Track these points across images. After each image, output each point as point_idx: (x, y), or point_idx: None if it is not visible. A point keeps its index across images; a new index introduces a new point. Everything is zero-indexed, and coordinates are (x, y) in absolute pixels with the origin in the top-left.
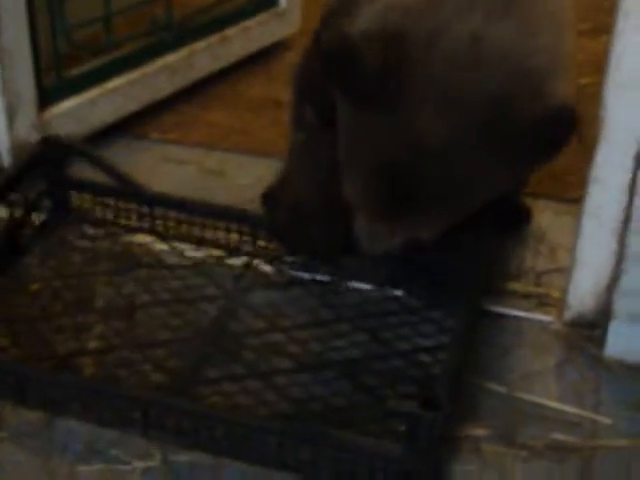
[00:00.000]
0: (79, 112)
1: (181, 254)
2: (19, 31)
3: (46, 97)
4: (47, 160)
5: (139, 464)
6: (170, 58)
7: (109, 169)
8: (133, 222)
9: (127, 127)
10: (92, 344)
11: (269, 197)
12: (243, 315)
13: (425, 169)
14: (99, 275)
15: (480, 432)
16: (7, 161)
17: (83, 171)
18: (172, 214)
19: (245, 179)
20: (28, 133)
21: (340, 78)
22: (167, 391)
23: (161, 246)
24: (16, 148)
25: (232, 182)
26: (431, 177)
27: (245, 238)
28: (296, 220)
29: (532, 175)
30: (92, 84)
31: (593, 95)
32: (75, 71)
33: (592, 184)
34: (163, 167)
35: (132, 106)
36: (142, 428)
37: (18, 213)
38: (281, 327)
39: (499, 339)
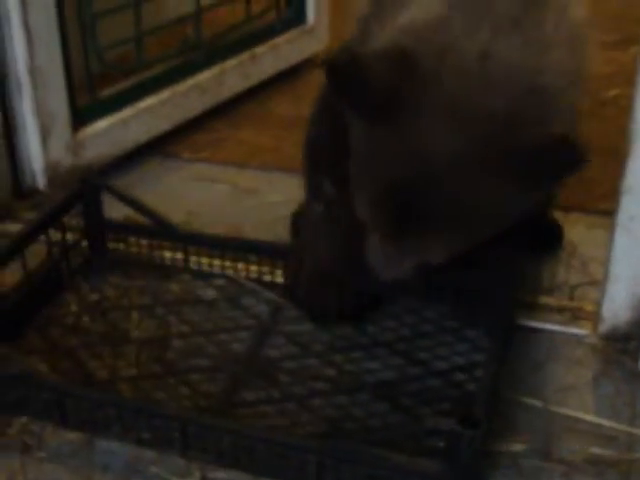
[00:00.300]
0: (112, 132)
1: (217, 289)
2: (52, 52)
3: (79, 118)
4: (84, 201)
5: None
6: (201, 77)
7: (143, 209)
8: (168, 260)
9: (159, 146)
10: (129, 372)
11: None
12: (278, 342)
13: (432, 188)
14: (135, 309)
15: (517, 447)
16: (41, 182)
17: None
18: (205, 251)
19: (277, 196)
20: (62, 154)
21: (349, 93)
22: (204, 412)
23: (196, 282)
24: (50, 169)
25: (264, 200)
26: (438, 197)
27: (278, 271)
28: (319, 288)
29: (560, 189)
30: (125, 104)
31: (624, 107)
32: (108, 91)
33: (624, 195)
34: (195, 186)
35: (164, 125)
36: (181, 448)
37: (56, 251)
38: (316, 352)
39: (533, 353)
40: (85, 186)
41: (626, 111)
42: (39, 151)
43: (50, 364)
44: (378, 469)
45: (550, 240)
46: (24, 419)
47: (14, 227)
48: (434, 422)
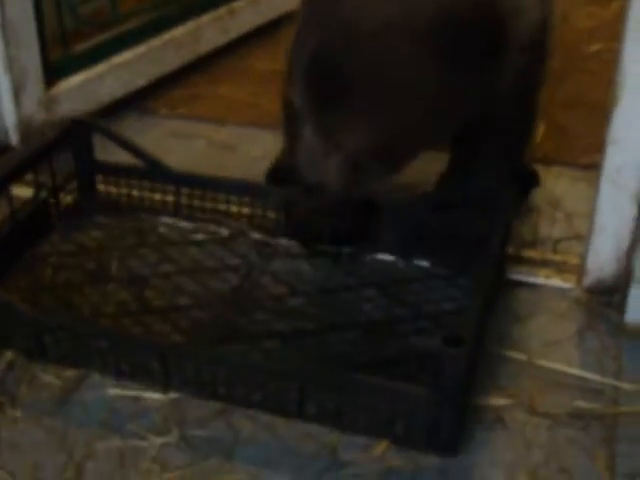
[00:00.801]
0: (86, 88)
1: (206, 231)
2: (24, 7)
3: (53, 73)
4: (74, 141)
5: (157, 440)
6: (176, 32)
7: (134, 149)
8: (158, 202)
9: (136, 102)
10: (110, 309)
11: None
12: (264, 282)
13: (354, 57)
14: (122, 249)
15: (502, 401)
16: (14, 139)
17: (108, 152)
18: (197, 192)
19: (256, 152)
20: (35, 110)
21: None
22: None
23: (186, 224)
24: (23, 125)
25: (243, 155)
26: (360, 63)
27: (270, 213)
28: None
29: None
30: (99, 59)
31: (607, 61)
32: (81, 46)
33: (610, 146)
34: (173, 142)
35: (140, 81)
36: (161, 380)
37: (44, 193)
38: (303, 292)
39: (518, 307)
40: (75, 125)
41: (609, 65)
42: (11, 107)
43: (33, 301)
44: (361, 394)
45: (526, 186)
46: None
47: None
48: (421, 343)
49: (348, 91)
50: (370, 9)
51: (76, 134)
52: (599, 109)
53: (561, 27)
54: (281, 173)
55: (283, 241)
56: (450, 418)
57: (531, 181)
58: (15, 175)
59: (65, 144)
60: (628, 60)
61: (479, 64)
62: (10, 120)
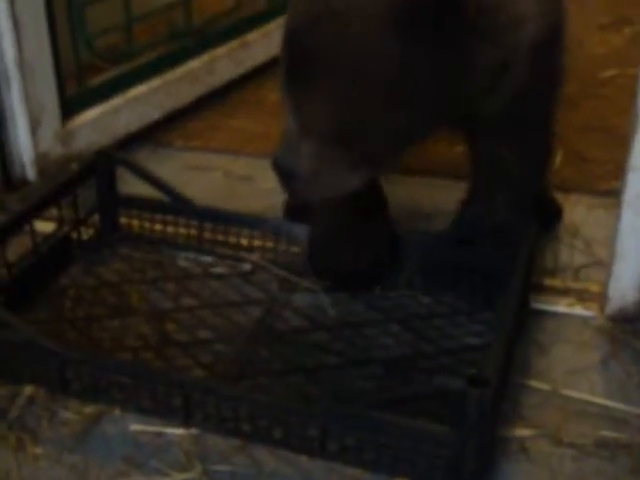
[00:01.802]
0: (102, 121)
1: (227, 265)
2: (40, 43)
3: (69, 107)
4: (98, 174)
5: (179, 476)
6: (191, 65)
7: (157, 182)
8: (180, 235)
9: (151, 135)
10: (131, 342)
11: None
12: (287, 316)
13: (319, 39)
14: (143, 282)
15: (526, 432)
16: (31, 173)
17: (128, 184)
18: (219, 227)
19: (271, 183)
20: (51, 144)
21: None
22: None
23: (207, 258)
24: (40, 160)
25: (259, 186)
26: (323, 51)
27: (294, 248)
28: (335, 248)
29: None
30: (114, 93)
31: (622, 86)
32: (97, 80)
33: (630, 173)
34: (189, 174)
35: (155, 114)
36: (183, 415)
37: (67, 227)
38: (326, 326)
39: (540, 336)
40: (99, 158)
41: (624, 90)
42: (29, 142)
43: (56, 334)
44: (382, 432)
45: (549, 218)
46: (16, 412)
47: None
48: (445, 382)
49: (314, 75)
50: None
51: (100, 167)
52: (616, 135)
53: (576, 53)
54: (298, 207)
55: (305, 277)
56: (474, 456)
57: (553, 213)
58: (39, 209)
59: (89, 177)
60: None
61: (447, 53)
62: (27, 155)
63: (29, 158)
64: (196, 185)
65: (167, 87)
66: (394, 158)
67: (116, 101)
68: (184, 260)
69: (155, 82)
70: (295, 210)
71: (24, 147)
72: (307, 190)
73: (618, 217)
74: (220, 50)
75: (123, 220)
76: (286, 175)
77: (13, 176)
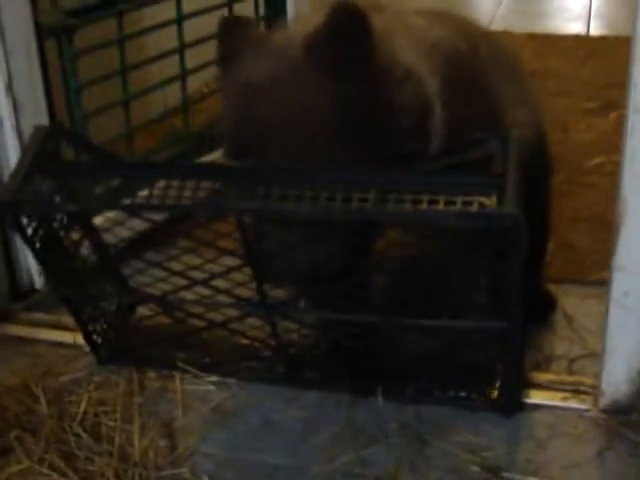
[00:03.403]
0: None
1: None
2: None
3: None
4: None
5: None
6: None
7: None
8: None
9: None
10: None
11: None
12: None
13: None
14: None
15: None
16: (38, 282)
17: None
18: None
19: None
20: None
21: None
22: None
23: None
24: None
25: None
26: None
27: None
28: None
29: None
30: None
31: (609, 174)
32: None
33: (616, 272)
34: None
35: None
36: None
37: None
38: None
39: (537, 431)
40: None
41: (611, 178)
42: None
43: None
44: None
45: (544, 310)
46: None
47: (12, 329)
48: None
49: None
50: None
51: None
52: (604, 223)
53: (562, 140)
54: None
55: None
56: None
57: (548, 304)
58: None
59: None
60: (629, 190)
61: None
62: (34, 264)
63: (36, 267)
64: None
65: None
66: None
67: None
68: None
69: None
70: None
71: (31, 257)
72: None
73: (606, 312)
74: (219, 154)
75: None
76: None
77: (20, 285)
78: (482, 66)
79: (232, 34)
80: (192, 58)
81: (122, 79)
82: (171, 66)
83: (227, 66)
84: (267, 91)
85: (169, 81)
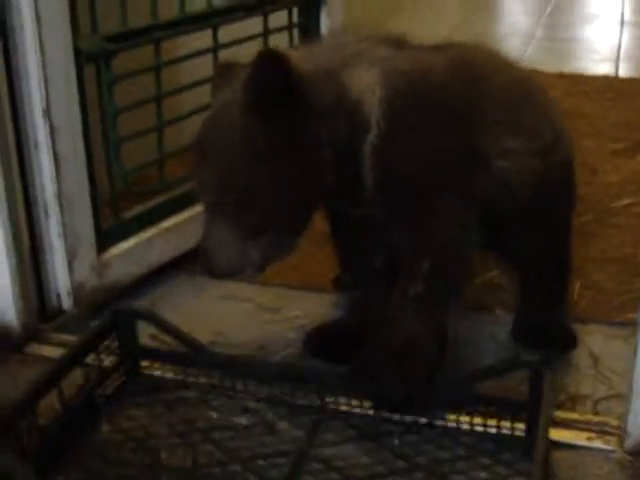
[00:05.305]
0: (137, 252)
1: (252, 413)
2: (79, 178)
3: (104, 239)
4: (118, 330)
5: None
6: None
7: (179, 335)
8: (203, 386)
9: (183, 265)
10: None
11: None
12: (316, 468)
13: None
14: (171, 437)
15: None
16: (67, 303)
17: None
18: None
19: (297, 312)
20: (87, 275)
21: None
22: None
23: (231, 407)
24: (75, 290)
25: (286, 316)
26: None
27: (312, 396)
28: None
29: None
30: (148, 224)
31: (637, 215)
32: (132, 212)
33: None
34: (221, 304)
35: (186, 245)
36: None
37: (92, 381)
38: (355, 478)
39: (560, 471)
40: (119, 315)
41: (639, 220)
42: (65, 273)
43: None
44: None
45: (564, 344)
46: None
47: (40, 349)
48: None
49: (205, 161)
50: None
51: (120, 324)
52: (632, 265)
53: (590, 181)
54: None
55: (332, 424)
56: None
57: (569, 339)
58: (65, 371)
59: (110, 333)
60: None
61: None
62: (63, 285)
63: (65, 288)
64: (227, 315)
65: (198, 219)
66: (292, 228)
67: (150, 233)
68: (208, 411)
69: (186, 214)
70: (315, 343)
71: (60, 277)
72: (218, 265)
73: (635, 352)
74: None
75: (147, 371)
76: (204, 256)
77: (49, 306)
78: (479, 96)
79: (225, 78)
80: None
81: (157, 105)
82: (204, 95)
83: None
84: (212, 120)
85: (203, 109)
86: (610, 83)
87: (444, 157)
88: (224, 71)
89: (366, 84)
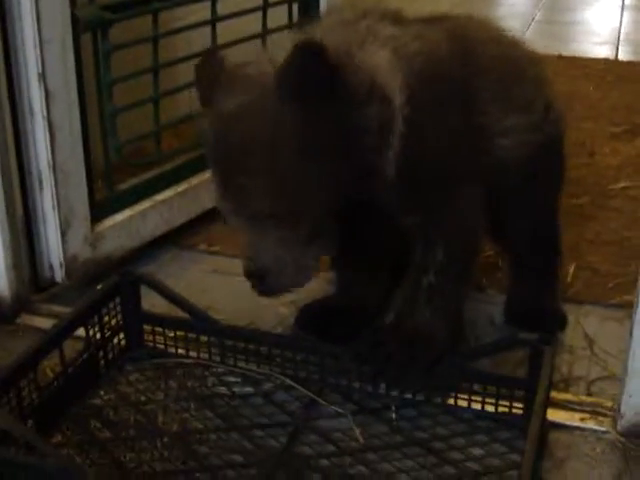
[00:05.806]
0: (130, 225)
1: (252, 384)
2: (73, 149)
3: (98, 211)
4: (122, 294)
5: None
6: None
7: (183, 303)
8: (204, 354)
9: (175, 238)
10: (163, 466)
11: None
12: (312, 439)
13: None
14: (170, 402)
15: None
16: (59, 275)
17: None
18: (241, 344)
19: None
20: (81, 247)
21: None
22: None
23: (232, 377)
24: (68, 262)
25: None
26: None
27: (312, 368)
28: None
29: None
30: (142, 197)
31: (634, 198)
32: (126, 185)
33: None
34: (212, 279)
35: (180, 218)
36: None
37: (94, 345)
38: (350, 450)
39: (554, 451)
40: (123, 280)
41: (635, 202)
42: (58, 244)
43: (85, 458)
44: None
45: (552, 326)
46: None
47: (31, 320)
48: None
49: (244, 170)
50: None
51: (124, 288)
52: (627, 247)
53: (587, 164)
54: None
55: (330, 396)
56: None
57: (558, 323)
58: (67, 332)
59: (113, 297)
60: None
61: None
62: (56, 257)
63: (58, 260)
64: (220, 290)
65: (192, 192)
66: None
67: (143, 205)
68: (208, 378)
69: (181, 187)
70: (306, 319)
71: (53, 249)
72: (280, 285)
73: (630, 334)
74: None
75: (148, 337)
76: (258, 275)
77: (41, 277)
78: (471, 72)
79: (208, 66)
80: None
81: (154, 77)
82: None
83: (204, 96)
84: (240, 119)
85: None
86: (610, 66)
87: (462, 141)
88: (207, 60)
89: (386, 69)
